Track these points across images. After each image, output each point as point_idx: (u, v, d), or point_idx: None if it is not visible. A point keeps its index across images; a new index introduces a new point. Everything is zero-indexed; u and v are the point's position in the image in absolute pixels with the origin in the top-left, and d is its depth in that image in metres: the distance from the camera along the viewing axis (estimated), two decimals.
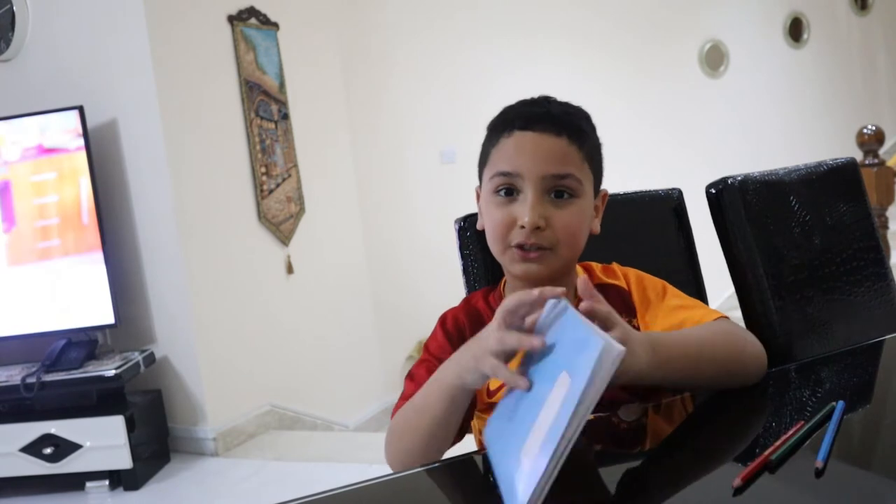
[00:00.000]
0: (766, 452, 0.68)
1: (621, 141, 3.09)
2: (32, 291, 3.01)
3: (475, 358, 0.80)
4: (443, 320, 1.04)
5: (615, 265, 1.08)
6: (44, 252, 3.01)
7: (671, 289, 1.05)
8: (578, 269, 1.05)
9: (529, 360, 0.75)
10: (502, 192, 0.95)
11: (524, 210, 0.93)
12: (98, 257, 2.94)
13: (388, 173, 4.13)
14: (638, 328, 1.00)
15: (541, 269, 0.96)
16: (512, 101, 1.05)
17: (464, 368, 0.82)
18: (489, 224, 0.98)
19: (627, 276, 1.06)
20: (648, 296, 1.03)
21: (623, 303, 1.02)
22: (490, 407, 0.95)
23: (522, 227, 0.93)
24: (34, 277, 3.01)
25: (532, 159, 0.94)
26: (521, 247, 0.94)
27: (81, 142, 2.92)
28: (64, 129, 2.94)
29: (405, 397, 0.97)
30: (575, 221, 0.95)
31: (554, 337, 0.73)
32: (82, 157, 2.93)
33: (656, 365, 0.81)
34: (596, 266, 1.08)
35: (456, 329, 1.02)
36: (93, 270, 2.95)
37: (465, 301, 1.07)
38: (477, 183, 1.05)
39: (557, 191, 0.94)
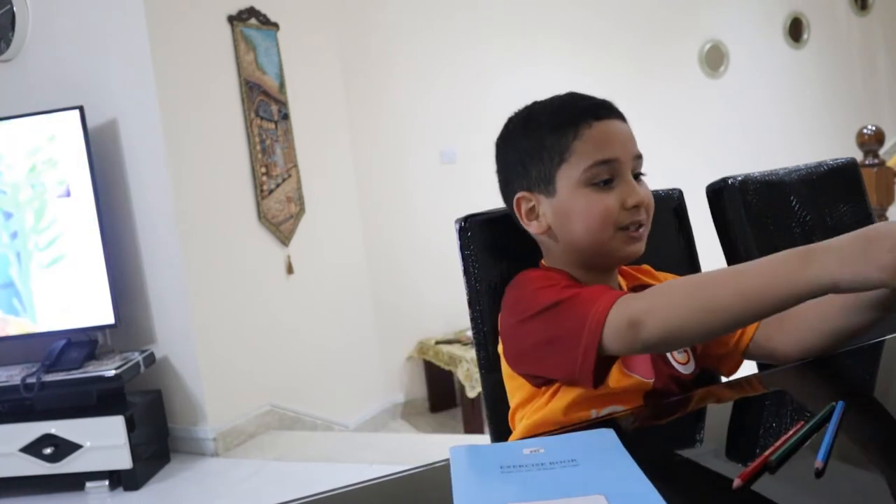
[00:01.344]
0: (766, 452, 0.68)
1: None
2: (32, 291, 3.01)
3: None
4: (535, 272, 1.00)
5: (647, 266, 1.09)
6: (44, 252, 3.01)
7: None
8: None
9: (554, 446, 0.74)
10: (601, 182, 0.95)
11: (633, 191, 0.96)
12: (98, 257, 2.94)
13: (388, 173, 4.13)
14: None
15: (643, 245, 0.99)
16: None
17: (853, 263, 0.71)
18: (592, 214, 0.95)
19: (666, 279, 1.07)
20: None
21: None
22: (598, 398, 0.93)
23: (636, 206, 0.95)
24: (34, 277, 3.01)
25: (623, 144, 0.97)
26: (633, 226, 0.96)
27: (81, 142, 2.92)
28: (64, 129, 2.94)
29: (585, 301, 0.88)
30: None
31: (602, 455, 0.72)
32: (82, 156, 2.93)
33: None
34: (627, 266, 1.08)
35: (555, 272, 0.99)
36: (93, 270, 2.95)
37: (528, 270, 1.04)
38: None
39: (635, 172, 0.99)
